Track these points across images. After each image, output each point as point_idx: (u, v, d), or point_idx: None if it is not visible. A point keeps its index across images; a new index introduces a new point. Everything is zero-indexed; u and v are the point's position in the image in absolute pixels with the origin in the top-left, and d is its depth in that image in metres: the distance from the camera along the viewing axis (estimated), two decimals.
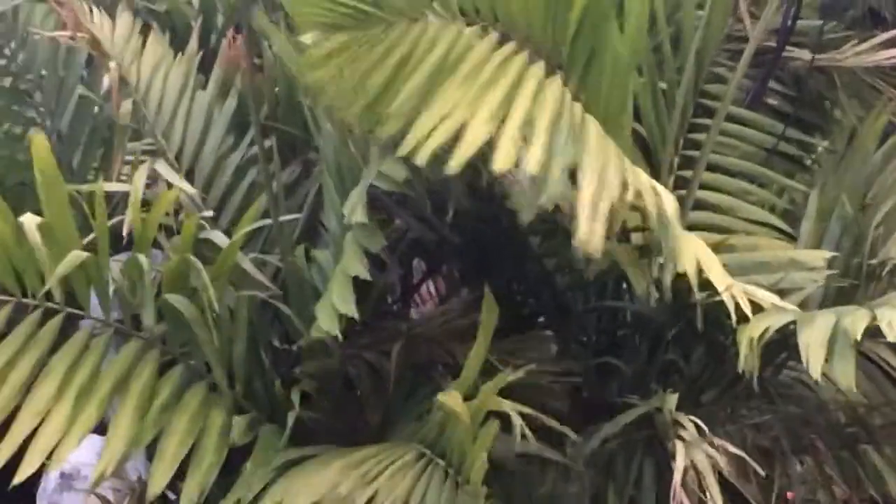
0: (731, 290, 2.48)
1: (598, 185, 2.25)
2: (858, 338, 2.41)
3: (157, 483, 2.79)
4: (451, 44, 2.45)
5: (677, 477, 2.52)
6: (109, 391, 2.84)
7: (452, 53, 2.44)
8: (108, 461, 2.77)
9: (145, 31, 3.64)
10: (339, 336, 2.69)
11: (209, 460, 2.83)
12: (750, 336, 2.48)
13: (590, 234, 2.22)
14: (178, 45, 3.61)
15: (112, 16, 3.60)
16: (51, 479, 3.45)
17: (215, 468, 2.83)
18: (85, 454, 3.09)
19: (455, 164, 2.25)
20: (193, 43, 3.58)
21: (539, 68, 2.44)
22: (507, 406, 2.60)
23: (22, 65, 3.77)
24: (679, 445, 2.59)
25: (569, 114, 2.36)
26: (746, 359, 2.49)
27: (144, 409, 2.84)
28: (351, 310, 2.68)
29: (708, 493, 2.52)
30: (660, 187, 2.39)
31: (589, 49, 2.57)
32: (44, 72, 3.76)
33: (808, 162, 3.66)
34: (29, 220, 2.80)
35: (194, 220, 2.89)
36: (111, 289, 2.90)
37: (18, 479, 2.66)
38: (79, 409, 2.79)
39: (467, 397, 2.61)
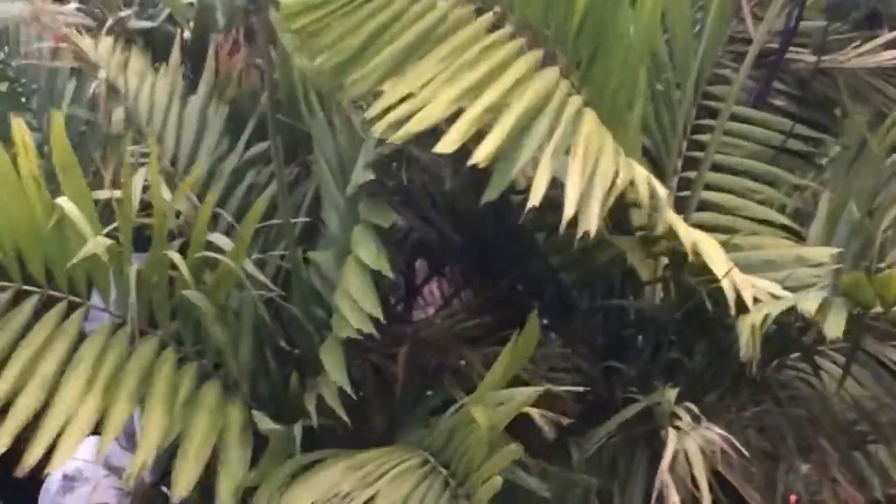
0: (732, 276, 2.48)
1: (590, 171, 2.25)
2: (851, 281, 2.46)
3: (184, 482, 2.76)
4: (439, 19, 2.44)
5: (665, 463, 2.51)
6: (137, 385, 2.84)
7: (439, 28, 2.44)
8: (146, 454, 2.76)
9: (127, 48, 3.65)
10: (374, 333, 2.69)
11: (236, 454, 2.83)
12: (751, 323, 2.47)
13: (586, 217, 2.22)
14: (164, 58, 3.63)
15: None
16: (53, 481, 3.44)
17: (245, 461, 2.82)
18: (86, 456, 3.08)
19: (399, 134, 2.25)
20: (176, 53, 3.60)
21: (534, 57, 2.43)
22: (535, 413, 2.62)
23: (16, 70, 3.76)
24: (671, 433, 2.58)
25: (559, 103, 2.35)
26: (748, 345, 2.47)
27: (170, 403, 2.84)
28: (376, 310, 2.70)
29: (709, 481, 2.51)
30: (652, 178, 2.39)
31: (595, 42, 2.57)
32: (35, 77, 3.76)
33: (814, 163, 3.66)
34: (67, 203, 2.80)
35: (205, 217, 2.89)
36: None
37: (53, 467, 2.65)
38: (109, 404, 2.79)
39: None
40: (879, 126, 3.38)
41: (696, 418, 2.67)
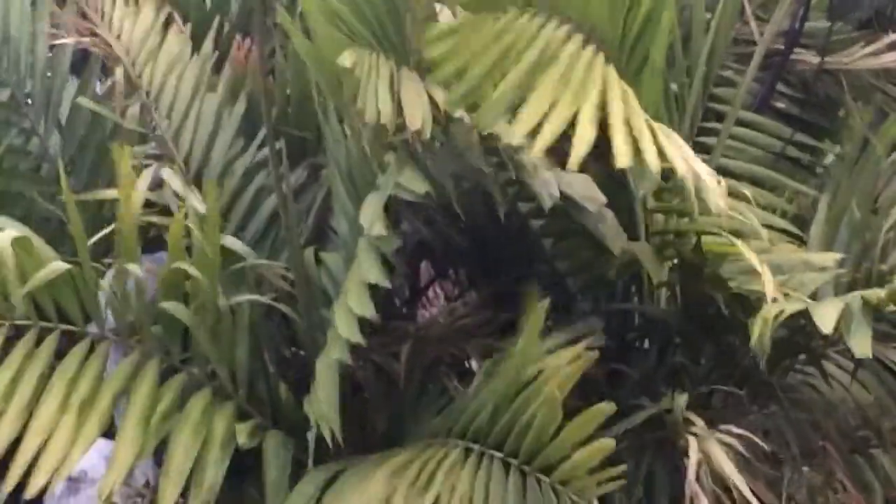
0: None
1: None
2: (883, 296, 2.45)
3: (167, 499, 2.76)
4: (548, 41, 2.46)
5: (691, 472, 2.52)
6: (110, 402, 2.83)
7: (549, 50, 2.46)
8: (118, 471, 2.76)
9: (167, 24, 3.62)
10: (362, 342, 2.68)
11: (210, 476, 2.81)
12: (764, 318, 2.48)
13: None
14: (194, 40, 3.59)
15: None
16: (58, 484, 3.43)
17: (216, 485, 2.80)
18: (92, 458, 3.08)
19: (573, 161, 2.28)
20: (209, 43, 3.56)
21: (613, 70, 2.48)
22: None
23: (8, 74, 3.72)
24: (692, 440, 2.59)
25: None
26: (758, 339, 2.48)
27: (147, 420, 2.83)
28: (370, 311, 2.69)
29: (727, 485, 2.52)
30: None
31: (645, 51, 2.61)
32: (29, 81, 3.71)
33: (814, 168, 3.66)
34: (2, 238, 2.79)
35: (180, 224, 2.85)
36: (102, 299, 2.89)
37: (29, 493, 2.69)
38: (82, 421, 2.79)
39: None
40: (878, 126, 3.38)
41: (710, 422, 2.67)
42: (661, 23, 2.62)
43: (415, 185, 2.71)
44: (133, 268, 2.82)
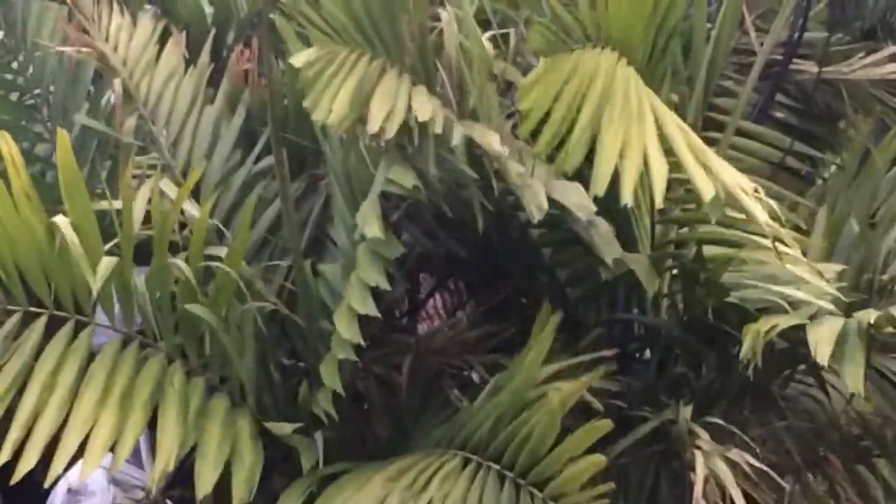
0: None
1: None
2: (872, 321, 2.43)
3: (206, 482, 2.77)
4: (609, 72, 2.52)
5: (698, 488, 2.51)
6: (149, 398, 2.84)
7: (608, 82, 2.52)
8: (164, 462, 2.76)
9: (164, 35, 3.61)
10: (363, 343, 2.69)
11: (249, 460, 2.83)
12: (757, 330, 2.48)
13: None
14: (192, 53, 3.59)
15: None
16: (58, 494, 3.44)
17: (257, 467, 2.82)
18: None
19: (658, 199, 2.40)
20: (206, 55, 3.56)
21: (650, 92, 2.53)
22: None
23: (30, 79, 3.75)
24: (698, 455, 2.58)
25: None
26: (749, 351, 2.48)
27: (184, 413, 2.84)
28: (371, 310, 2.69)
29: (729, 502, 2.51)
30: None
31: (665, 65, 2.63)
32: (51, 87, 3.74)
33: (815, 179, 3.66)
34: (63, 221, 2.78)
35: (202, 229, 2.88)
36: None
37: (82, 479, 2.68)
38: (124, 418, 2.79)
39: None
40: (882, 138, 3.38)
41: (712, 433, 2.67)
42: (678, 34, 2.65)
43: (404, 179, 2.72)
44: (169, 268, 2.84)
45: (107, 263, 2.75)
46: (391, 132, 2.60)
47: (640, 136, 2.42)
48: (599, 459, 2.55)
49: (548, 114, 2.56)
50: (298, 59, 2.70)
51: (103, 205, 3.02)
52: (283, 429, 2.88)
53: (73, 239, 2.76)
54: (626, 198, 2.40)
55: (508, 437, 2.67)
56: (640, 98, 2.49)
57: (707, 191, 2.39)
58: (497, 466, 2.66)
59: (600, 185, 2.44)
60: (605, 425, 2.56)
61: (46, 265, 2.84)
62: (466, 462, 2.71)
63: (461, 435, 2.78)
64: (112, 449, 2.75)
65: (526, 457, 2.62)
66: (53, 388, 2.78)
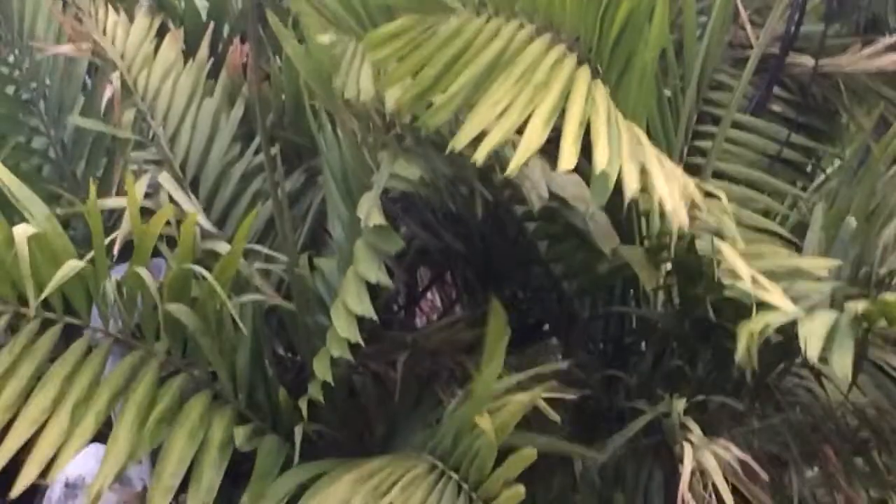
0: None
1: (668, 176, 2.28)
2: (861, 311, 2.43)
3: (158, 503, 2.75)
4: (507, 41, 2.47)
5: (684, 479, 2.51)
6: (107, 402, 2.82)
7: (508, 50, 2.46)
8: (107, 473, 2.75)
9: (161, 30, 3.62)
10: (361, 342, 2.69)
11: (208, 479, 2.81)
12: (750, 330, 2.48)
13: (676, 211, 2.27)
14: (189, 47, 3.59)
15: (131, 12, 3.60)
16: (56, 489, 3.43)
17: (213, 490, 2.80)
18: (90, 463, 3.07)
19: (513, 166, 2.28)
20: (204, 49, 3.56)
21: (585, 71, 2.46)
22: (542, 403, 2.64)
23: (26, 73, 3.76)
24: (686, 447, 2.58)
25: (615, 117, 2.38)
26: (744, 352, 2.48)
27: (144, 421, 2.82)
28: (368, 309, 2.69)
29: (714, 496, 2.51)
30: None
31: (627, 54, 2.60)
32: (47, 81, 3.74)
33: (813, 173, 3.66)
34: (20, 231, 2.77)
35: (192, 226, 2.86)
36: (111, 299, 2.88)
37: (17, 490, 2.64)
38: (76, 420, 2.78)
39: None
40: (881, 131, 3.38)
41: (708, 427, 2.67)
42: (643, 25, 2.61)
43: (408, 171, 2.72)
44: (143, 270, 2.82)
45: (69, 267, 2.73)
46: (405, 114, 2.61)
47: (527, 106, 2.35)
48: (530, 454, 2.52)
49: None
50: (324, 38, 2.69)
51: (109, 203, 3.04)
52: (239, 437, 2.85)
53: (24, 252, 2.73)
54: (480, 157, 2.33)
55: (466, 448, 2.65)
56: (554, 74, 2.42)
57: (568, 156, 2.30)
58: (456, 476, 2.65)
59: (461, 142, 2.37)
60: (530, 454, 2.51)
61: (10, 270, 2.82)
62: (432, 469, 2.70)
63: (433, 440, 2.77)
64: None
65: (475, 471, 2.61)
66: (4, 385, 2.77)
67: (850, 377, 2.45)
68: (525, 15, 2.52)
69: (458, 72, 2.46)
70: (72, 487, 3.35)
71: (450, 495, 2.63)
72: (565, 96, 2.39)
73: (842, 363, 2.41)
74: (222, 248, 3.08)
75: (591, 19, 2.55)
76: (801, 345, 2.42)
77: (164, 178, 3.32)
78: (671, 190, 2.29)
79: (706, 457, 2.56)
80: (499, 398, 2.65)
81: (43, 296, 2.74)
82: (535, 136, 2.32)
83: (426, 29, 2.48)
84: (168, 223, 2.96)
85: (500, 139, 2.34)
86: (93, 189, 2.81)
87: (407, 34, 2.48)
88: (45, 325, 2.87)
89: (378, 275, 2.72)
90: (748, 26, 3.44)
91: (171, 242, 3.01)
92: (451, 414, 2.81)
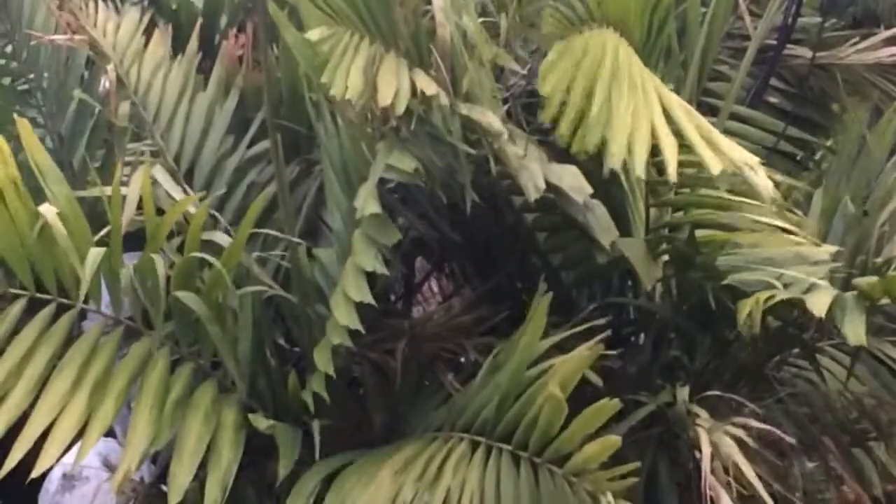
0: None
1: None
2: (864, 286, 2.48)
3: (180, 483, 2.74)
4: (614, 52, 2.55)
5: (706, 464, 2.50)
6: (124, 387, 2.82)
7: (620, 60, 2.55)
8: (131, 459, 2.74)
9: (151, 26, 3.61)
10: (361, 329, 2.68)
11: (227, 457, 2.81)
12: (756, 299, 2.51)
13: None
14: (181, 42, 3.59)
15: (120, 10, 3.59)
16: (53, 481, 3.44)
17: (234, 465, 2.80)
18: (88, 456, 3.07)
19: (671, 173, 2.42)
20: (194, 43, 3.55)
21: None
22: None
23: (24, 65, 3.75)
24: (702, 432, 2.58)
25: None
26: (747, 320, 2.50)
27: (160, 407, 2.82)
28: (366, 297, 2.69)
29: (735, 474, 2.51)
30: None
31: (663, 44, 2.66)
32: (45, 73, 3.74)
33: (811, 159, 3.67)
34: (49, 210, 2.76)
35: (201, 216, 2.87)
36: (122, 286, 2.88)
37: (37, 472, 2.62)
38: (95, 405, 2.77)
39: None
40: (876, 122, 3.38)
41: (714, 413, 2.67)
42: (671, 14, 2.70)
43: (403, 163, 2.72)
44: (157, 258, 2.83)
45: (95, 254, 2.73)
46: (400, 109, 2.60)
47: (648, 112, 2.44)
48: (615, 440, 2.49)
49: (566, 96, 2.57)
50: (314, 34, 2.70)
51: (96, 191, 3.02)
52: (260, 423, 2.85)
53: (60, 228, 2.75)
54: (639, 172, 2.43)
55: (515, 417, 2.63)
56: (642, 76, 2.51)
57: (715, 166, 2.42)
58: (509, 447, 2.63)
59: (616, 158, 2.44)
60: (612, 405, 2.52)
61: (29, 250, 2.82)
62: (475, 445, 2.68)
63: (464, 418, 2.75)
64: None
65: (538, 437, 2.58)
66: (23, 371, 2.77)
67: (864, 341, 2.46)
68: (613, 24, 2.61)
69: (593, 87, 2.54)
70: (69, 479, 3.36)
71: (508, 467, 2.61)
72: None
73: (855, 331, 2.43)
74: (220, 238, 3.07)
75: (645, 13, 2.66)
76: (809, 307, 2.46)
77: (158, 172, 3.32)
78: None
79: (721, 437, 2.56)
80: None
81: (84, 288, 2.73)
82: (670, 140, 2.47)
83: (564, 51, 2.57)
84: (160, 212, 2.94)
85: (645, 150, 2.45)
86: (117, 174, 2.81)
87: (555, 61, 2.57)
88: (60, 310, 2.86)
89: (375, 264, 2.72)
90: (746, 16, 3.44)
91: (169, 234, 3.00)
92: (480, 388, 2.79)
